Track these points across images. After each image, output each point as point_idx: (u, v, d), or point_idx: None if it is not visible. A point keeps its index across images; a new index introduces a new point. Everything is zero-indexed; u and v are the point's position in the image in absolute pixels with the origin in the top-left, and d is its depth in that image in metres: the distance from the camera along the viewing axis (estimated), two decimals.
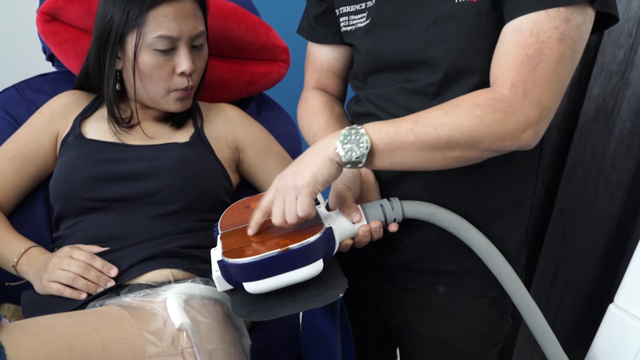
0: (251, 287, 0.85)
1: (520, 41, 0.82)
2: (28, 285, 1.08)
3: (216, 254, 0.91)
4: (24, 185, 1.18)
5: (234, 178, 1.26)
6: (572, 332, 1.60)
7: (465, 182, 0.99)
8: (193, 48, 1.14)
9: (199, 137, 1.22)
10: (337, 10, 1.08)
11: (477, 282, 1.05)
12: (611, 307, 1.10)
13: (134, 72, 1.12)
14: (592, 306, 1.57)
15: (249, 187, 1.31)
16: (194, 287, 1.01)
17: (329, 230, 0.88)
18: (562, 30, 0.81)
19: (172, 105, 1.17)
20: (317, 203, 0.98)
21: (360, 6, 1.04)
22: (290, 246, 0.83)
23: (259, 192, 1.30)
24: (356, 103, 1.11)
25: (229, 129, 1.26)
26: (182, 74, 1.12)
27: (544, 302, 1.60)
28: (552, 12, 0.81)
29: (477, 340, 1.10)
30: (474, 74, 0.92)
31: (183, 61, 1.11)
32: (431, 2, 0.93)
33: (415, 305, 1.10)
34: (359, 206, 0.95)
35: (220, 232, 0.96)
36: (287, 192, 0.87)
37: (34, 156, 1.18)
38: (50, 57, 1.38)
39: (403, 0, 0.97)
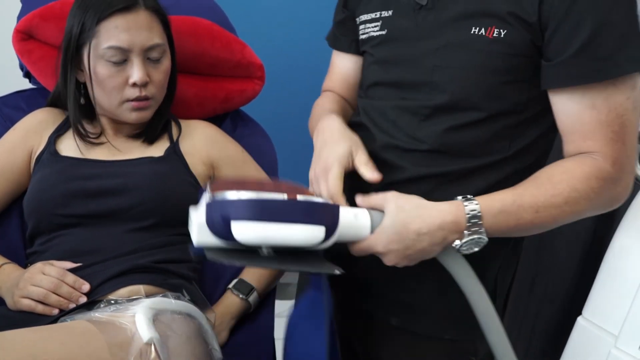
0: (240, 228, 0.75)
1: (602, 119, 0.86)
2: (1, 301, 1.08)
3: (201, 202, 0.81)
4: None
5: None
6: (548, 343, 1.61)
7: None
8: (149, 60, 1.14)
9: (174, 151, 1.23)
10: (357, 19, 1.10)
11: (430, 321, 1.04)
12: (579, 319, 1.12)
13: (91, 83, 1.14)
14: (569, 318, 1.57)
15: None
16: (164, 302, 1.01)
17: (337, 208, 0.83)
18: (633, 98, 0.86)
19: (128, 115, 1.17)
20: None
21: (376, 15, 1.05)
22: (298, 197, 0.78)
23: None
24: (354, 113, 1.12)
25: (205, 146, 1.27)
26: (135, 84, 1.13)
27: (521, 314, 1.61)
28: (619, 82, 0.85)
29: None
30: (471, 109, 0.93)
31: (135, 72, 1.12)
32: (446, 25, 0.94)
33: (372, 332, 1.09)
34: (367, 210, 0.89)
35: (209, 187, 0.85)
36: (402, 260, 0.89)
37: (8, 173, 1.18)
38: (27, 74, 1.39)
39: (418, 17, 0.98)
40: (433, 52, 0.95)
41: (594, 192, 0.87)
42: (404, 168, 0.98)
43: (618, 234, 1.15)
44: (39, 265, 1.05)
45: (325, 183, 0.92)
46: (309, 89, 1.48)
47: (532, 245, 1.55)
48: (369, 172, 0.92)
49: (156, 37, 1.14)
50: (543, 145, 0.99)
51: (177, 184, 1.19)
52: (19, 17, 1.37)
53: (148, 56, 1.14)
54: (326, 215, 0.81)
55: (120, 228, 1.12)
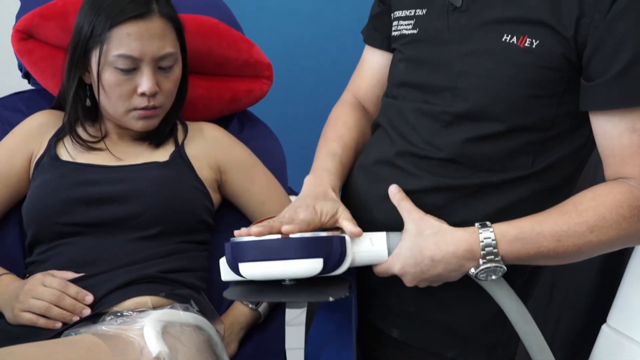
0: (245, 269, 0.86)
1: None
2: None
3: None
4: None
5: (215, 197, 1.23)
6: (570, 352, 1.58)
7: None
8: (159, 69, 1.11)
9: (179, 155, 1.20)
10: (392, 14, 1.07)
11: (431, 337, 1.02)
12: (604, 327, 1.09)
13: (98, 88, 1.11)
14: (590, 324, 1.54)
15: (231, 207, 1.28)
16: (172, 314, 0.99)
17: (339, 238, 0.88)
18: None
19: (134, 123, 1.14)
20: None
21: (410, 12, 1.03)
22: (291, 235, 0.85)
23: (242, 212, 1.28)
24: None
25: (211, 149, 1.23)
26: (143, 94, 1.10)
27: (541, 321, 1.57)
28: None
29: None
30: (493, 120, 0.91)
31: (144, 82, 1.09)
32: (477, 30, 0.92)
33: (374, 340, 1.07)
34: (384, 234, 0.93)
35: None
36: (421, 282, 0.92)
37: (7, 179, 1.15)
38: (26, 75, 1.37)
39: (451, 18, 0.96)
40: (461, 57, 0.93)
41: (626, 222, 0.84)
42: (419, 177, 0.96)
43: None
44: (39, 277, 1.02)
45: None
46: (318, 89, 1.45)
47: None
48: (351, 227, 0.91)
49: (168, 46, 1.11)
50: (569, 166, 0.96)
51: (184, 190, 1.16)
52: (17, 16, 1.34)
53: (159, 65, 1.11)
54: (321, 248, 0.86)
55: (125, 236, 1.09)
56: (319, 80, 1.38)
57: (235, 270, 0.88)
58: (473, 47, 0.92)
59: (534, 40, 0.87)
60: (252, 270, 0.86)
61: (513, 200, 0.93)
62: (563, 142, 0.93)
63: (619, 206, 0.84)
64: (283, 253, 0.84)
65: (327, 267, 0.86)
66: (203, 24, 1.31)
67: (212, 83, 1.34)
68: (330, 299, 0.84)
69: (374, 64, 1.16)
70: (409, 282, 0.92)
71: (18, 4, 1.37)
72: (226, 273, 0.91)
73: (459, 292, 0.95)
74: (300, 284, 0.88)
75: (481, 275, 0.88)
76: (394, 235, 0.92)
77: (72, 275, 1.04)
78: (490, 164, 0.93)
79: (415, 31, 1.00)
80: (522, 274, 1.00)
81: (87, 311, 1.00)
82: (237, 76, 1.37)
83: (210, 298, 1.15)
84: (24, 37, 1.25)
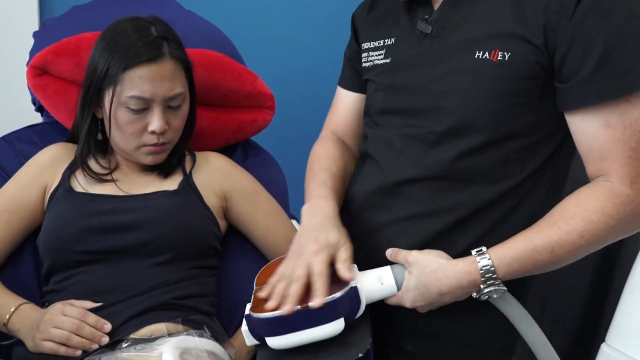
0: (273, 342, 0.88)
1: (618, 136, 0.86)
2: (20, 342, 1.07)
3: (247, 307, 0.94)
4: (12, 239, 1.18)
5: (222, 224, 1.27)
6: None
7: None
8: (169, 108, 1.15)
9: (188, 184, 1.23)
10: (361, 46, 1.11)
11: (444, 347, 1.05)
12: (603, 346, 1.10)
13: (110, 124, 1.14)
14: (581, 342, 1.58)
15: (237, 233, 1.32)
16: (188, 340, 1.01)
17: (353, 290, 0.90)
18: None
19: (144, 158, 1.18)
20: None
21: (379, 43, 1.06)
22: (310, 304, 0.86)
23: (247, 238, 1.31)
24: (363, 142, 1.14)
25: (216, 178, 1.27)
26: (153, 132, 1.13)
27: None
28: (633, 98, 0.85)
29: None
30: (478, 133, 0.94)
31: (155, 121, 1.12)
32: (451, 52, 0.95)
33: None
34: (389, 269, 0.96)
35: (255, 287, 0.98)
36: (432, 308, 0.96)
37: (23, 210, 1.18)
38: (40, 108, 1.39)
39: (423, 44, 0.99)
40: (438, 78, 0.96)
41: (613, 220, 0.87)
42: (418, 201, 0.99)
43: None
44: (58, 306, 1.04)
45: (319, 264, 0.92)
46: (317, 117, 1.49)
47: None
48: (344, 271, 0.92)
49: (178, 86, 1.15)
50: (554, 166, 0.99)
51: (193, 217, 1.19)
52: (31, 53, 1.37)
53: (168, 104, 1.14)
54: (341, 309, 0.89)
55: (139, 264, 1.12)
56: (318, 109, 1.42)
57: (261, 342, 0.91)
58: (448, 67, 0.95)
59: (505, 53, 0.90)
60: (278, 342, 0.88)
61: (508, 208, 0.96)
62: (547, 145, 0.96)
63: (603, 206, 0.86)
64: (306, 324, 0.87)
65: (347, 322, 0.89)
66: (209, 58, 1.35)
67: (218, 114, 1.38)
68: (360, 355, 0.86)
69: (348, 101, 1.21)
70: (421, 310, 0.96)
71: (31, 41, 1.40)
72: (250, 339, 0.92)
73: (465, 303, 0.97)
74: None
75: (483, 297, 0.92)
76: (398, 268, 0.96)
77: (90, 304, 1.06)
78: (483, 176, 0.95)
79: (388, 60, 1.04)
80: (521, 284, 1.03)
81: (106, 339, 1.02)
82: (242, 107, 1.41)
83: (219, 320, 1.17)
84: (38, 72, 1.28)
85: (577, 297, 1.56)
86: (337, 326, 0.87)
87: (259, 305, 0.91)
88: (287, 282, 0.92)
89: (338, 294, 0.87)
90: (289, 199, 1.46)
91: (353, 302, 0.90)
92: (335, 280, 0.92)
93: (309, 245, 0.95)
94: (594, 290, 1.54)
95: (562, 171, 1.01)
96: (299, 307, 0.86)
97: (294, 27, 1.88)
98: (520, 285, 1.02)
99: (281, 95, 1.57)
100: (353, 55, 1.19)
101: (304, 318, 0.86)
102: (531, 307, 1.57)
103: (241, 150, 1.46)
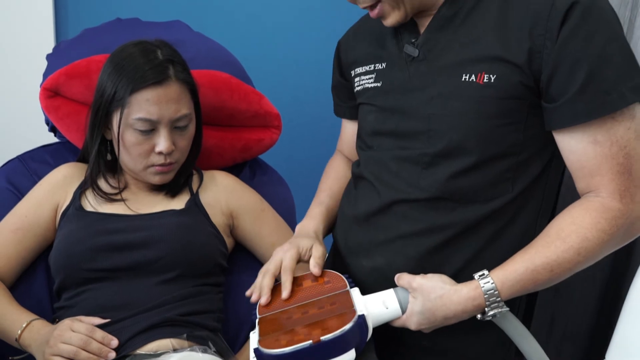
0: None
1: (606, 152, 0.88)
2: (32, 357, 1.09)
3: (253, 338, 0.93)
4: (26, 257, 1.21)
5: (228, 242, 1.29)
6: None
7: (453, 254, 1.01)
8: (175, 128, 1.17)
9: (195, 203, 1.25)
10: (352, 72, 1.14)
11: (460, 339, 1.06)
12: None
13: (118, 145, 1.17)
14: (591, 357, 1.57)
15: (244, 250, 1.34)
16: (192, 356, 1.03)
17: (361, 319, 0.91)
18: (634, 128, 0.88)
19: (151, 178, 1.21)
20: (353, 285, 1.01)
21: (370, 67, 1.09)
22: (322, 338, 0.86)
23: (253, 255, 1.33)
24: (356, 164, 1.16)
25: (223, 196, 1.29)
26: (160, 153, 1.16)
27: None
28: (618, 115, 0.87)
29: None
30: (469, 154, 0.96)
31: (161, 142, 1.15)
32: (438, 74, 0.98)
33: None
34: (392, 292, 0.97)
35: (258, 316, 0.98)
36: (430, 329, 0.97)
37: (35, 228, 1.21)
38: (53, 129, 1.43)
39: (411, 68, 1.01)
40: (427, 101, 0.98)
41: (606, 235, 0.89)
42: (413, 219, 1.01)
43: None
44: (67, 322, 1.07)
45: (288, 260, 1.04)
46: (324, 135, 1.52)
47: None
48: (314, 265, 1.03)
49: (184, 108, 1.17)
50: (545, 182, 1.00)
51: (200, 235, 1.21)
52: (45, 75, 1.41)
53: (175, 125, 1.17)
54: (352, 340, 0.89)
55: (146, 281, 1.14)
56: (326, 128, 1.45)
57: None
58: (437, 91, 0.97)
59: (491, 76, 0.92)
60: None
61: (501, 225, 0.98)
62: (536, 162, 0.98)
63: (597, 222, 0.89)
64: (317, 357, 0.87)
65: (358, 350, 0.90)
66: (216, 79, 1.37)
67: (225, 133, 1.40)
68: None
69: (350, 129, 1.26)
70: (426, 331, 0.97)
71: (45, 64, 1.44)
72: None
73: (468, 320, 0.98)
74: None
75: (487, 318, 0.94)
76: (401, 291, 0.97)
77: (99, 320, 1.09)
78: (475, 195, 0.97)
79: (378, 84, 1.06)
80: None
81: (113, 354, 1.04)
82: (248, 126, 1.43)
83: (225, 335, 1.20)
84: (50, 94, 1.31)
85: (586, 313, 1.55)
86: (349, 356, 0.88)
87: (266, 334, 0.92)
88: (262, 275, 1.03)
89: (347, 326, 0.88)
90: (297, 216, 1.46)
91: (362, 331, 0.91)
92: (340, 306, 0.93)
93: (283, 246, 1.07)
94: (603, 306, 1.54)
95: (553, 186, 1.02)
96: (310, 341, 0.86)
97: (302, 47, 1.91)
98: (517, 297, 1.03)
99: (291, 114, 1.60)
100: (336, 84, 1.24)
101: (316, 353, 0.86)
102: (540, 323, 1.58)
103: (249, 169, 1.48)
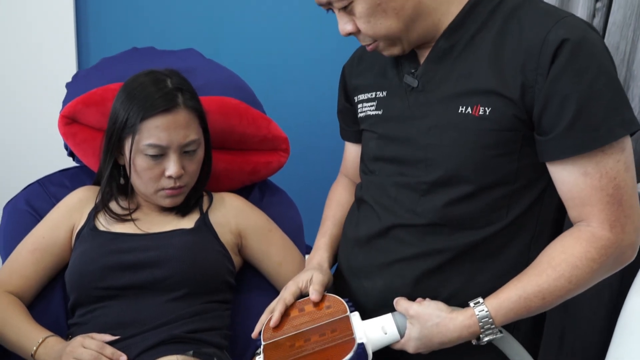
0: None
1: (596, 184, 0.91)
2: None
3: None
4: (43, 276, 1.26)
5: (236, 260, 1.33)
6: None
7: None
8: (184, 153, 1.22)
9: (204, 223, 1.29)
10: (355, 98, 1.18)
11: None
12: None
13: (130, 169, 1.23)
14: None
15: (252, 269, 1.38)
16: None
17: (360, 348, 0.94)
18: (624, 160, 0.91)
19: (162, 201, 1.25)
20: (353, 310, 1.04)
21: (371, 95, 1.13)
22: None
23: (261, 273, 1.37)
24: (359, 186, 1.19)
25: (232, 217, 1.33)
26: (170, 177, 1.21)
27: None
28: (607, 148, 0.90)
29: None
30: (466, 183, 0.98)
31: (171, 167, 1.20)
32: (436, 105, 1.01)
33: None
34: (391, 317, 1.01)
35: (262, 343, 1.02)
36: (426, 350, 1.00)
37: (52, 248, 1.26)
38: (71, 154, 1.48)
39: (410, 98, 1.05)
40: (425, 131, 1.01)
41: (596, 263, 0.92)
42: (410, 244, 1.04)
43: (631, 294, 1.16)
44: (79, 339, 1.11)
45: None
46: (331, 156, 1.55)
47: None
48: (312, 291, 1.07)
49: (192, 133, 1.22)
50: (538, 209, 1.02)
51: (208, 254, 1.25)
52: (64, 102, 1.47)
53: (184, 150, 1.22)
54: None
55: (156, 299, 1.18)
56: (334, 150, 1.48)
57: None
58: (434, 121, 1.00)
59: (486, 108, 0.95)
60: None
61: (500, 250, 1.01)
62: (530, 190, 1.00)
63: (587, 251, 0.92)
64: None
65: None
66: (225, 105, 1.42)
67: (234, 157, 1.45)
68: None
69: (354, 152, 1.29)
70: (424, 354, 1.01)
71: (64, 92, 1.51)
72: None
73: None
74: None
75: (482, 344, 0.97)
76: (398, 316, 1.00)
77: (109, 337, 1.13)
78: (471, 222, 1.00)
79: (379, 112, 1.10)
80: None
81: None
82: (257, 150, 1.47)
83: (233, 352, 1.23)
84: (68, 121, 1.37)
85: (594, 330, 1.55)
86: None
87: None
88: (266, 315, 1.09)
89: (348, 356, 0.91)
90: (305, 235, 1.51)
91: (361, 359, 0.94)
92: (340, 334, 0.97)
93: (287, 284, 1.13)
94: (611, 323, 1.53)
95: (547, 212, 1.04)
96: None
97: (312, 71, 1.95)
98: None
99: (301, 137, 1.63)
100: (342, 108, 1.27)
101: None
102: (549, 339, 1.58)
103: (258, 190, 1.52)
